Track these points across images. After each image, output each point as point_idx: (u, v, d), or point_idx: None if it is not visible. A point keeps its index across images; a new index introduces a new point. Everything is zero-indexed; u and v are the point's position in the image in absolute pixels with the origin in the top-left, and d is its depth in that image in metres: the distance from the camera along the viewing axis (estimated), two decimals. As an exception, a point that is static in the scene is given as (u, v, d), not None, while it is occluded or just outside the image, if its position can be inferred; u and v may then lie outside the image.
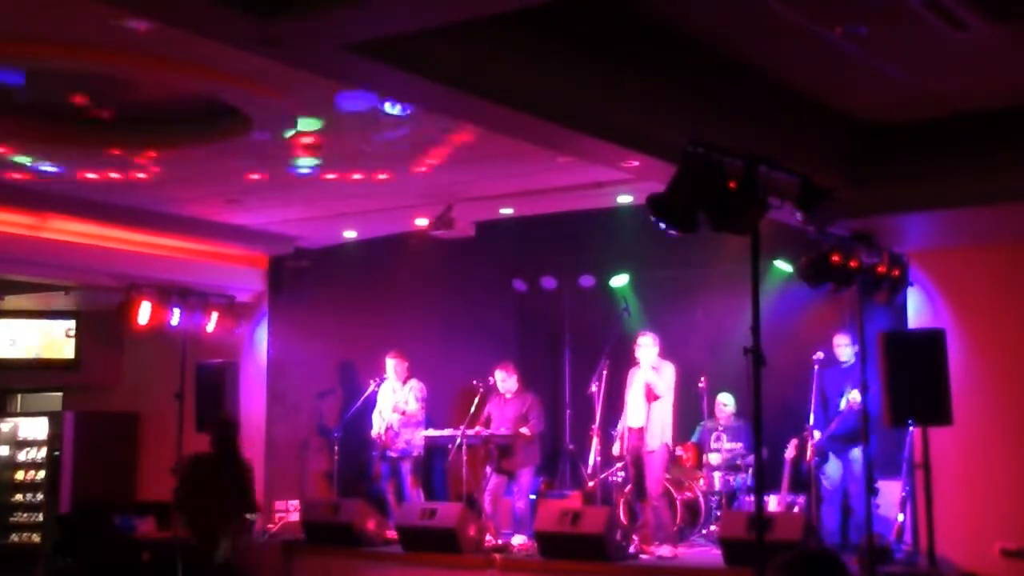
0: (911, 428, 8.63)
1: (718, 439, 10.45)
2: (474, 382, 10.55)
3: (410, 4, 4.97)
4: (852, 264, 7.80)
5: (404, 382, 10.84)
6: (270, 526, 10.64)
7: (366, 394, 10.92)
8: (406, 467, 10.73)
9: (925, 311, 9.30)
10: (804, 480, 9.64)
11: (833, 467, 9.50)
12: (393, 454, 10.71)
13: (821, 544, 8.49)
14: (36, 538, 11.81)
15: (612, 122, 6.82)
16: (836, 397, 9.46)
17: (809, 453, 9.43)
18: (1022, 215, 8.28)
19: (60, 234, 9.62)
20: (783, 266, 10.17)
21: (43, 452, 12.02)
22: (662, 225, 5.72)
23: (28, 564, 11.51)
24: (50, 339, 12.09)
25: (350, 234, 10.87)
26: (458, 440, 10.11)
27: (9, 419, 12.52)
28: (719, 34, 6.54)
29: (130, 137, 7.71)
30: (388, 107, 6.92)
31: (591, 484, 10.24)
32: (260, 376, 11.05)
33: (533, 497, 10.67)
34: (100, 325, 11.94)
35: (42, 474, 11.99)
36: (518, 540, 9.86)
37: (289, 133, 7.54)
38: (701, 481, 10.31)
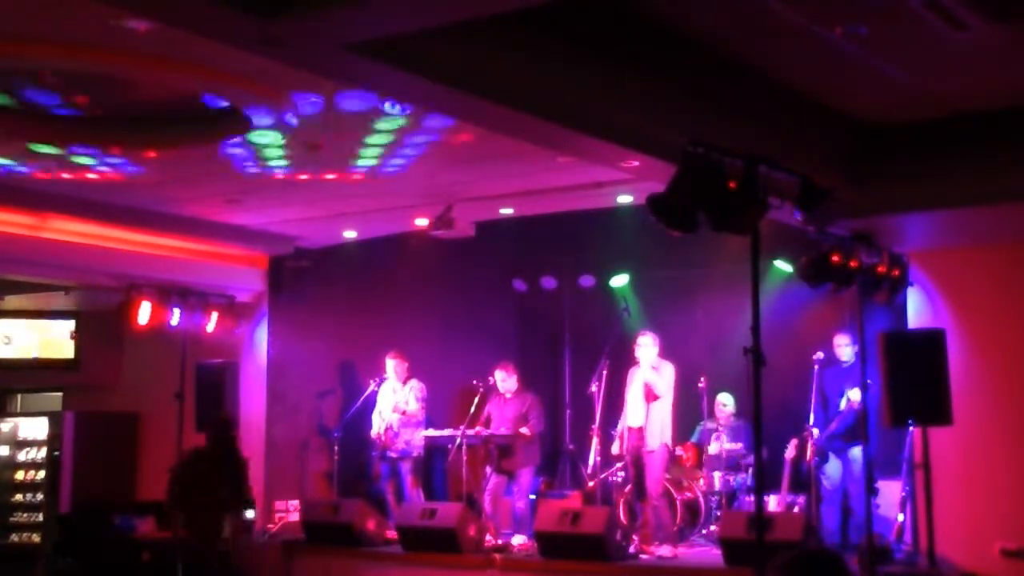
0: (911, 428, 8.63)
1: (718, 439, 10.45)
2: (474, 382, 10.55)
3: (410, 4, 4.97)
4: (852, 264, 7.81)
5: (404, 382, 10.84)
6: (270, 526, 10.65)
7: (366, 394, 10.92)
8: (406, 467, 10.73)
9: (925, 311, 9.30)
10: (804, 480, 9.64)
11: (833, 467, 9.50)
12: (393, 454, 10.71)
13: (821, 544, 8.49)
14: (36, 538, 11.81)
15: (612, 122, 6.82)
16: (836, 397, 9.46)
17: (809, 453, 9.42)
18: (1022, 215, 8.28)
19: (60, 234, 9.62)
20: (783, 266, 10.16)
21: (43, 452, 12.02)
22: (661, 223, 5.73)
23: (28, 564, 11.51)
24: (50, 339, 12.10)
25: (350, 234, 10.87)
26: (458, 440, 10.11)
27: (9, 419, 12.52)
28: (719, 34, 6.54)
29: (130, 137, 7.71)
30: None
31: (591, 484, 10.24)
32: (260, 376, 11.05)
33: (533, 497, 10.67)
34: (100, 325, 11.94)
35: (42, 474, 11.99)
36: (518, 540, 9.86)
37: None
38: (701, 481, 10.31)
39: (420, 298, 11.99)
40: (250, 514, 10.39)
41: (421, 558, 9.60)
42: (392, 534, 10.08)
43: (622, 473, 10.29)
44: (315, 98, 6.80)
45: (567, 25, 5.99)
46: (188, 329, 10.61)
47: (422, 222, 10.12)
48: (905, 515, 9.04)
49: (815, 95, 7.58)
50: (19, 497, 12.07)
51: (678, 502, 9.96)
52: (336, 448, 10.85)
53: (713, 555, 9.06)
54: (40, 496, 11.92)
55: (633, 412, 9.57)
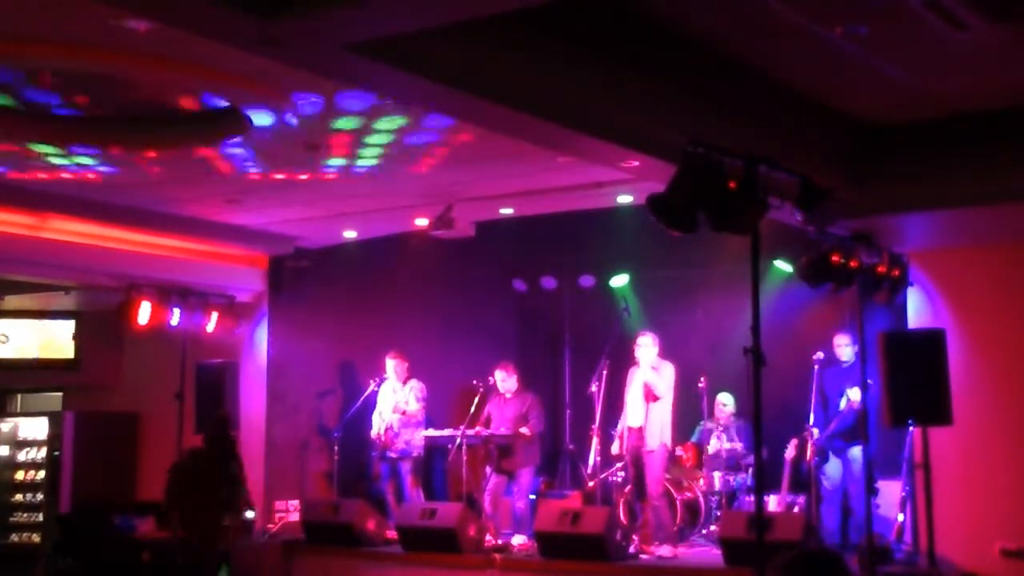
0: (911, 428, 8.63)
1: (718, 439, 10.45)
2: (474, 382, 10.55)
3: (410, 4, 4.97)
4: (852, 264, 7.81)
5: (404, 382, 10.84)
6: (270, 526, 10.65)
7: (366, 394, 10.92)
8: (406, 467, 10.73)
9: (925, 311, 9.30)
10: (804, 480, 9.64)
11: (833, 467, 9.50)
12: (393, 454, 10.71)
13: (821, 544, 8.49)
14: (36, 538, 11.82)
15: (612, 122, 6.82)
16: (836, 397, 9.46)
17: (809, 453, 9.43)
18: (1022, 215, 8.28)
19: (60, 234, 9.62)
20: (783, 266, 10.16)
21: (43, 452, 12.02)
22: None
23: (28, 564, 11.51)
24: (50, 339, 12.10)
25: (350, 234, 10.87)
26: (458, 440, 10.11)
27: (9, 419, 12.52)
28: (719, 34, 6.54)
29: (130, 137, 7.71)
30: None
31: (591, 484, 10.24)
32: (260, 376, 11.05)
33: (533, 497, 10.67)
34: (100, 325, 11.95)
35: (42, 474, 11.99)
36: (518, 540, 9.86)
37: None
38: (701, 481, 10.31)
39: (420, 298, 11.99)
40: (250, 514, 10.39)
41: (421, 558, 9.61)
42: (392, 534, 10.08)
43: (622, 473, 10.29)
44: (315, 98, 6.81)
45: (567, 25, 5.99)
46: (188, 329, 10.61)
47: (422, 222, 10.12)
48: (905, 515, 9.05)
49: (815, 95, 7.58)
50: (19, 497, 12.07)
51: (678, 502, 9.95)
52: (336, 448, 10.84)
53: (713, 555, 9.06)
54: (40, 496, 11.93)
55: (633, 412, 9.57)
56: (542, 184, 9.05)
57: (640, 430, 9.45)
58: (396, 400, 10.73)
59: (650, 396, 9.43)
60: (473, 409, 10.39)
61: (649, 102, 6.74)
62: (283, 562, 10.23)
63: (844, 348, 9.57)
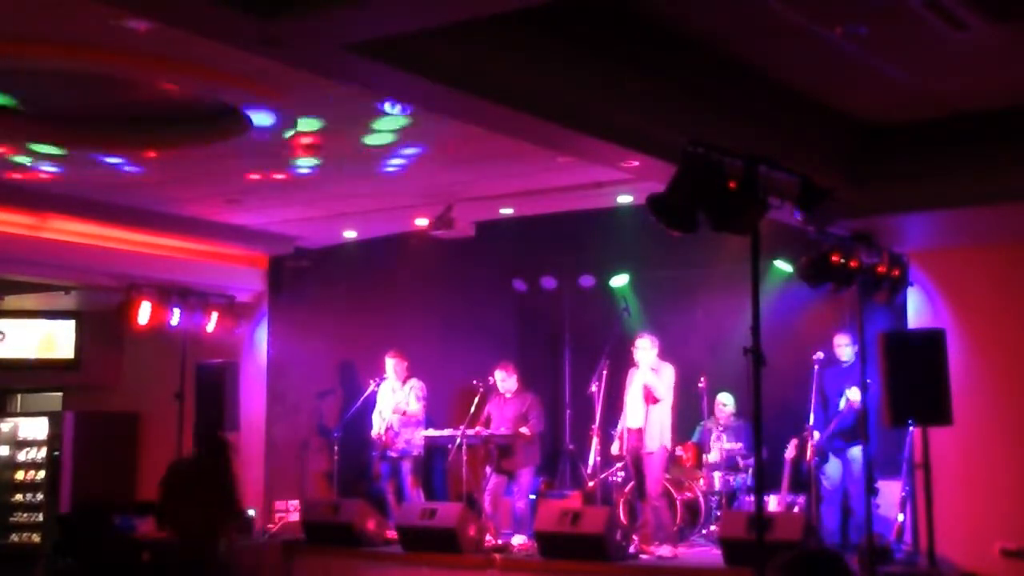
0: (911, 428, 8.63)
1: (718, 439, 10.45)
2: (474, 382, 10.55)
3: (410, 4, 4.97)
4: (852, 264, 7.81)
5: (404, 382, 10.84)
6: (270, 526, 10.64)
7: (366, 394, 10.92)
8: (406, 467, 10.73)
9: (925, 311, 9.30)
10: (804, 480, 9.64)
11: (833, 467, 9.50)
12: (393, 454, 10.71)
13: (821, 544, 8.49)
14: (36, 538, 11.80)
15: (612, 122, 6.82)
16: (836, 397, 9.46)
17: (809, 453, 9.43)
18: (1022, 215, 8.28)
19: (60, 234, 9.61)
20: (783, 266, 10.16)
21: (43, 452, 12.01)
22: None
23: (28, 564, 11.50)
24: (50, 339, 12.10)
25: (350, 234, 10.86)
26: (458, 440, 10.11)
27: (9, 419, 12.51)
28: (719, 34, 6.54)
29: (130, 137, 7.71)
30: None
31: (591, 484, 10.24)
32: (260, 376, 11.05)
33: (533, 497, 10.67)
34: (100, 325, 11.94)
35: (42, 474, 11.98)
36: (518, 540, 9.86)
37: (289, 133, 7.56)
38: (701, 481, 10.31)
39: (420, 298, 11.99)
40: (251, 512, 10.39)
41: (421, 558, 9.60)
42: (392, 534, 10.08)
43: (622, 473, 10.29)
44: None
45: (567, 25, 5.99)
46: (188, 329, 10.61)
47: (422, 222, 10.12)
48: (905, 515, 9.05)
49: (815, 95, 7.58)
50: (19, 497, 12.05)
51: (678, 502, 9.96)
52: (336, 448, 10.84)
53: (713, 555, 9.06)
54: (40, 496, 11.91)
55: (632, 414, 9.56)
56: (542, 184, 9.04)
57: (640, 431, 9.45)
58: (396, 400, 10.73)
59: (650, 398, 9.42)
60: (473, 409, 10.39)
61: (649, 102, 6.74)
62: (283, 562, 10.23)
63: (844, 348, 9.57)
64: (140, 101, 7.17)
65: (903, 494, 9.05)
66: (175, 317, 10.47)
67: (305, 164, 8.36)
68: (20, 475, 12.13)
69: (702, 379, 10.53)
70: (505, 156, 8.07)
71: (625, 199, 9.26)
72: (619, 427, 9.70)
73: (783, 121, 7.57)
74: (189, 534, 8.90)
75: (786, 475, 9.72)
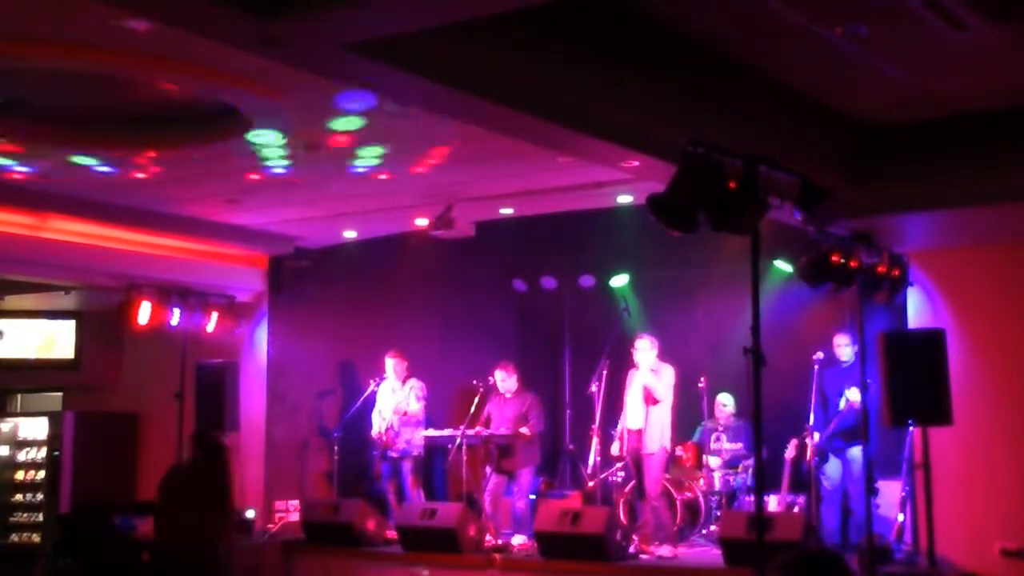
0: (911, 428, 8.63)
1: (718, 439, 10.45)
2: (474, 382, 10.55)
3: (410, 4, 4.97)
4: (852, 264, 7.80)
5: (404, 382, 10.84)
6: (270, 526, 10.65)
7: (366, 394, 10.92)
8: (407, 467, 10.73)
9: (925, 311, 9.30)
10: (804, 480, 9.64)
11: (833, 467, 9.50)
12: (394, 454, 10.71)
13: (821, 544, 8.49)
14: (36, 538, 11.80)
15: (612, 122, 6.82)
16: (836, 397, 9.46)
17: (809, 453, 9.43)
18: (1022, 215, 8.28)
19: (60, 234, 9.61)
20: (783, 266, 10.16)
21: (43, 452, 12.00)
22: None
23: (28, 564, 11.49)
24: (50, 339, 12.09)
25: (350, 234, 10.87)
26: (458, 440, 10.11)
27: (9, 419, 12.51)
28: (719, 34, 6.54)
29: (130, 137, 7.71)
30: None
31: (591, 484, 10.24)
32: (260, 376, 11.05)
33: (533, 497, 10.67)
34: (100, 325, 11.94)
35: (42, 474, 11.97)
36: (518, 540, 9.86)
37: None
38: (701, 481, 10.31)
39: (420, 298, 11.99)
40: (250, 513, 10.39)
41: (421, 558, 9.60)
42: (392, 534, 10.08)
43: (622, 473, 10.29)
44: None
45: (567, 25, 5.99)
46: (188, 329, 10.61)
47: (422, 222, 10.12)
48: (905, 515, 9.05)
49: (815, 95, 7.58)
50: (19, 497, 12.05)
51: (678, 502, 9.96)
52: (336, 448, 10.84)
53: (713, 555, 9.06)
54: (40, 496, 11.91)
55: (632, 414, 9.57)
56: (542, 184, 9.04)
57: (640, 432, 9.45)
58: (396, 400, 10.73)
59: (649, 399, 9.43)
60: (473, 409, 10.39)
61: (649, 102, 6.74)
62: (283, 562, 10.23)
63: (844, 348, 9.57)
64: (140, 101, 7.17)
65: (903, 494, 9.05)
66: (175, 317, 10.47)
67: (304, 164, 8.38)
68: (20, 475, 12.12)
69: (702, 379, 10.53)
70: (505, 156, 8.07)
71: (625, 199, 9.27)
72: (619, 428, 9.70)
73: (783, 121, 7.57)
74: (188, 538, 8.88)
75: (786, 475, 9.72)
